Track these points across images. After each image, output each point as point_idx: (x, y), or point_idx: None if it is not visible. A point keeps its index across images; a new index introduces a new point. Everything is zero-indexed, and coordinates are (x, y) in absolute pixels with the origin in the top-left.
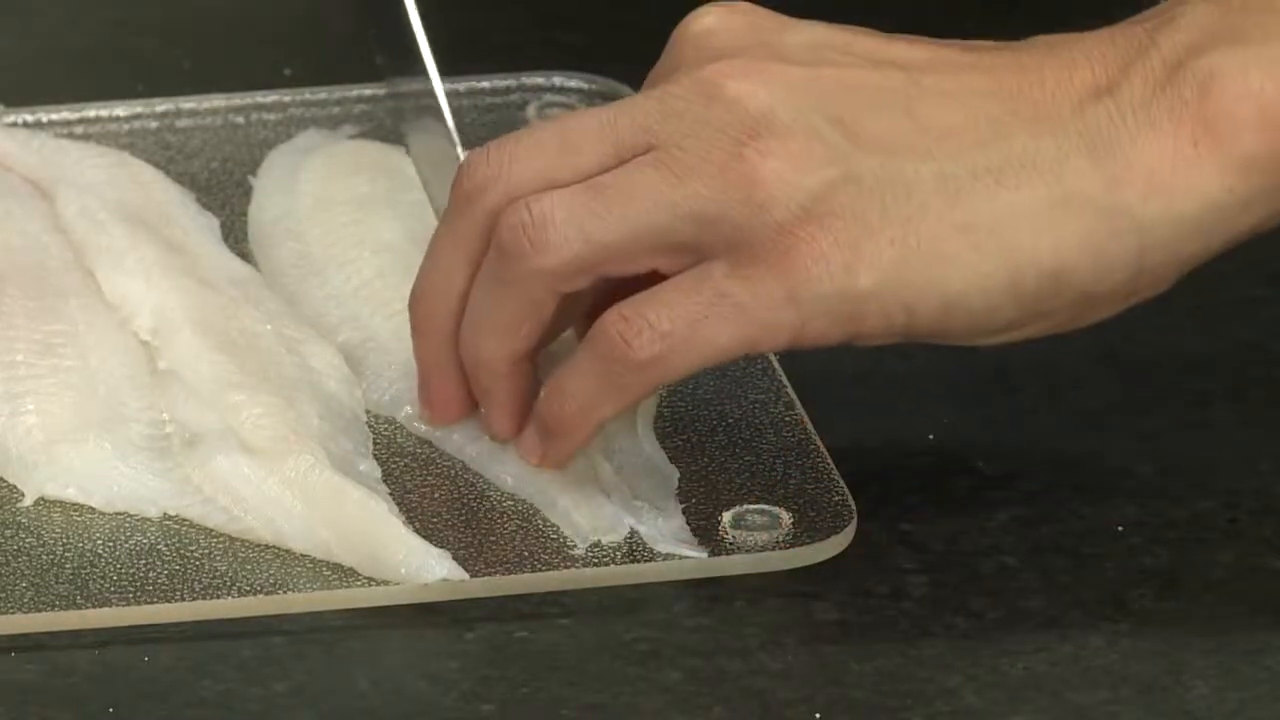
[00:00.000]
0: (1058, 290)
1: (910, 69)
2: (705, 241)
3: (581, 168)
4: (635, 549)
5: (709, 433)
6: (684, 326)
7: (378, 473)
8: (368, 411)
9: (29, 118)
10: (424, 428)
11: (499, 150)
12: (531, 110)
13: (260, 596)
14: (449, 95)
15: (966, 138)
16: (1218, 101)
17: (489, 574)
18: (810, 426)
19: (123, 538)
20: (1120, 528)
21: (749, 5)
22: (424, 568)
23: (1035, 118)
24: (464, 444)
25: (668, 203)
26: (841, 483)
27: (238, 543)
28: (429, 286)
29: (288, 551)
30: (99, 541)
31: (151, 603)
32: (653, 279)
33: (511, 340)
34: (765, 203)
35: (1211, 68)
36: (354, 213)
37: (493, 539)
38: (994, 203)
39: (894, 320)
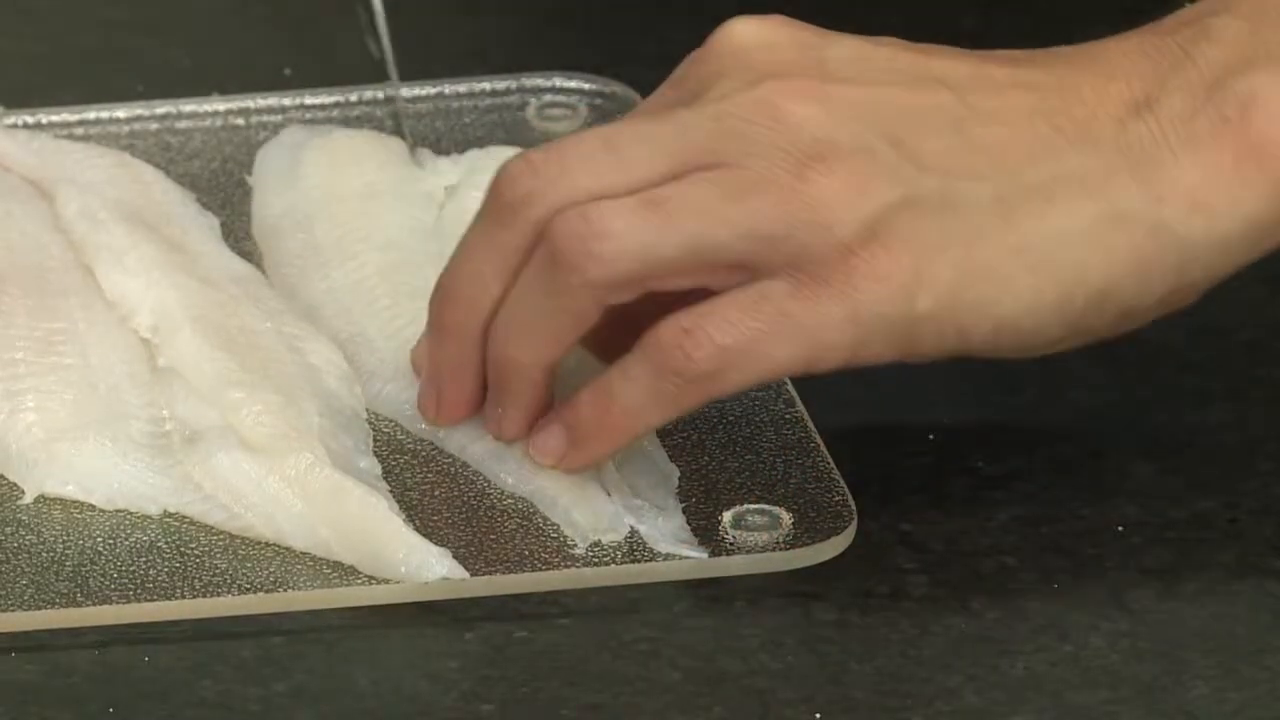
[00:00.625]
0: (1103, 308)
1: (956, 88)
2: (764, 260)
3: (634, 184)
4: (635, 549)
5: (709, 431)
6: (745, 343)
7: (378, 470)
8: (367, 409)
9: (29, 119)
10: (424, 426)
11: (545, 162)
12: (531, 110)
13: (260, 594)
14: (450, 96)
15: (1016, 157)
16: (1259, 123)
17: (489, 573)
18: (811, 425)
19: (123, 535)
20: (1120, 528)
21: (784, 18)
22: (424, 566)
23: (1079, 136)
24: (466, 443)
25: (728, 220)
26: (842, 482)
27: (238, 540)
28: (460, 291)
29: (288, 549)
30: (99, 539)
31: (151, 600)
32: (687, 295)
33: (552, 348)
34: (830, 224)
35: (1252, 88)
36: (363, 204)
37: (493, 538)
38: (1044, 222)
39: (947, 341)
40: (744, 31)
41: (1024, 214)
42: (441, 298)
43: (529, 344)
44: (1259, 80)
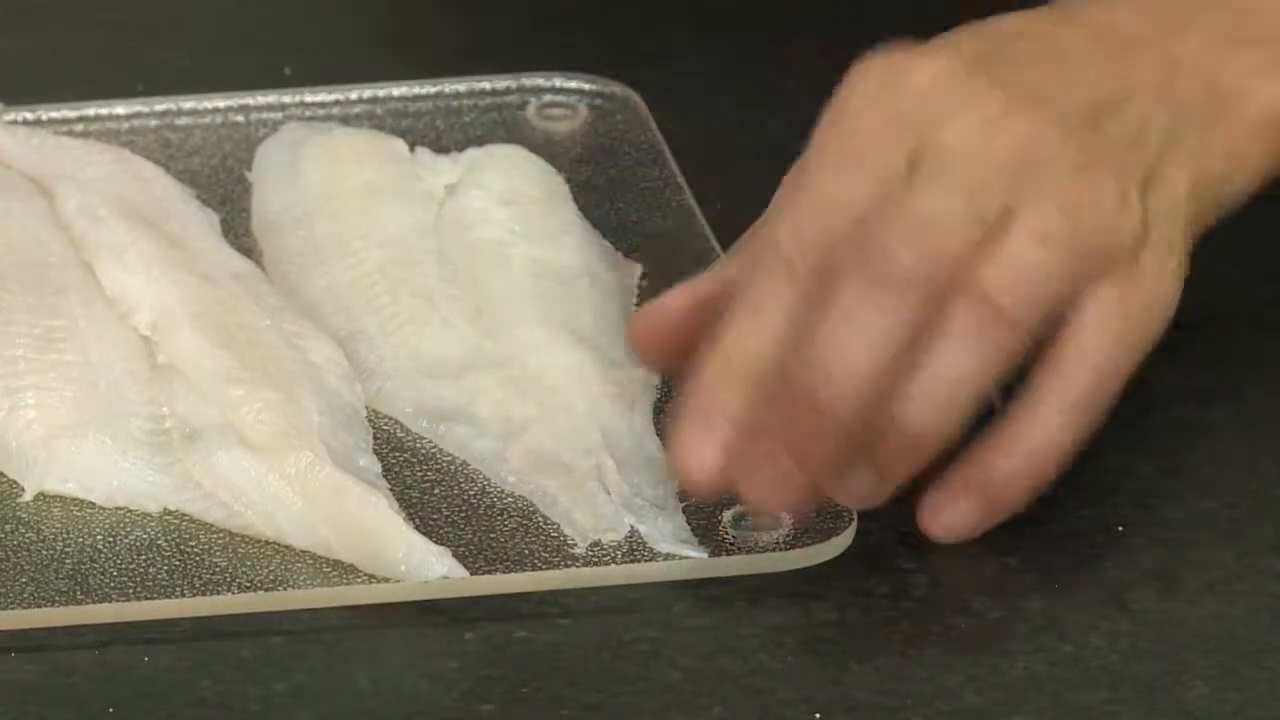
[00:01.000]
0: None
1: (1076, 61)
2: (1089, 273)
3: (976, 232)
4: (635, 548)
5: None
6: (1123, 350)
7: (378, 468)
8: (368, 406)
9: (29, 115)
10: (425, 424)
11: (921, 230)
12: (531, 110)
13: (260, 593)
14: (450, 95)
15: (1154, 122)
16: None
17: (489, 572)
18: None
19: (122, 533)
20: (1120, 528)
21: (918, 47)
22: (424, 565)
23: (1159, 94)
24: (466, 441)
25: (1073, 250)
26: None
27: (237, 538)
28: (856, 372)
29: (288, 548)
30: (99, 537)
31: (151, 598)
32: None
33: (971, 410)
34: (1122, 224)
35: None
36: (363, 201)
37: (493, 537)
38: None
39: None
40: (916, 78)
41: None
42: (825, 382)
43: (955, 412)
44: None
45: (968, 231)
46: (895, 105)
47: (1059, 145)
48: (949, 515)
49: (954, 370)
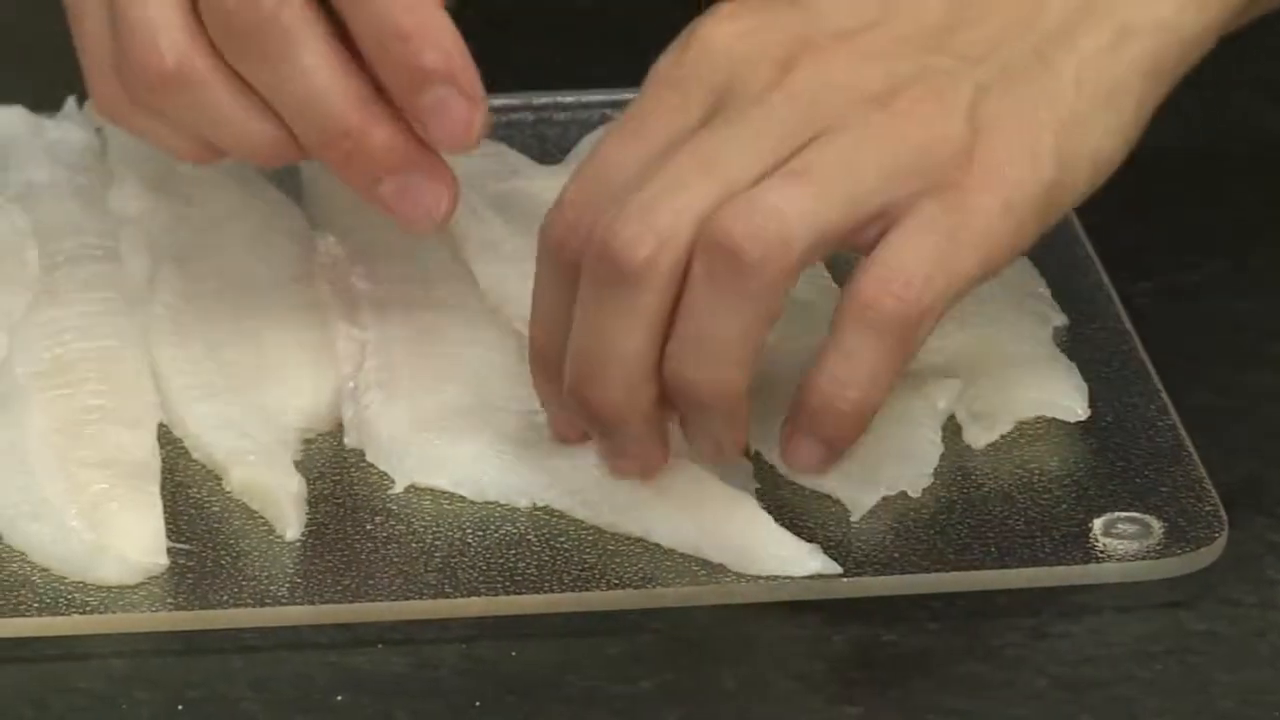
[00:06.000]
0: (1141, 114)
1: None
2: (902, 196)
3: (746, 183)
4: (1005, 554)
5: (1080, 438)
6: (939, 267)
7: (749, 468)
8: None
9: None
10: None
11: (652, 213)
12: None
13: (629, 590)
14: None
15: (1022, 12)
16: None
17: (858, 574)
18: (1183, 433)
19: (492, 528)
20: None
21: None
22: (795, 562)
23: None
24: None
25: (867, 166)
26: (1213, 491)
27: (606, 535)
28: (613, 374)
29: (656, 545)
30: (468, 531)
31: (519, 594)
32: None
33: (753, 362)
34: (940, 138)
35: None
36: None
37: (862, 538)
38: (1078, 53)
39: (1067, 198)
40: (728, 31)
41: (1061, 54)
42: (589, 385)
43: (731, 371)
44: None
45: (699, 203)
46: (712, 57)
47: (869, 76)
48: (793, 454)
49: (708, 325)
